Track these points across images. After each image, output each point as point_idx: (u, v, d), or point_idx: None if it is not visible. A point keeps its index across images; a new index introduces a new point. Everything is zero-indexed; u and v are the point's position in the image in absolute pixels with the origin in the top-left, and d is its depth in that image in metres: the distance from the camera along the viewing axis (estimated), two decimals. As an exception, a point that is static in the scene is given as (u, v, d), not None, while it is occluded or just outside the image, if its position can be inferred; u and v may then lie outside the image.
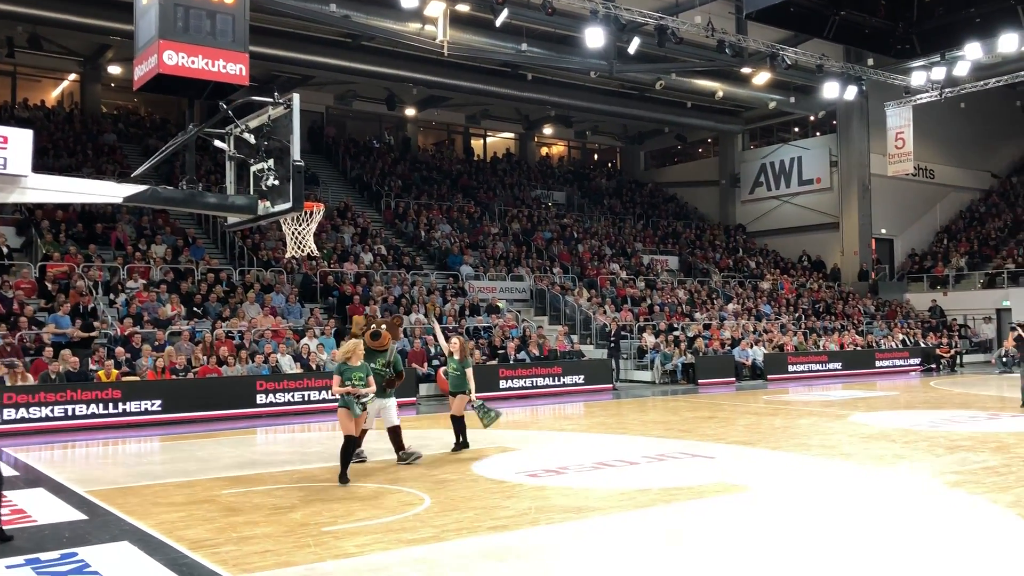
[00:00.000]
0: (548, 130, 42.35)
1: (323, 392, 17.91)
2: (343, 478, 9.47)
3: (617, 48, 26.06)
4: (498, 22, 22.75)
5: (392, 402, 10.82)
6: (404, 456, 10.80)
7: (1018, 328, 16.92)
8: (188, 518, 7.89)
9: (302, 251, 9.84)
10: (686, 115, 37.48)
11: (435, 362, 20.46)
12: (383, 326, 10.76)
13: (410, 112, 37.21)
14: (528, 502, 8.39)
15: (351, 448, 9.68)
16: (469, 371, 11.78)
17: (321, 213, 9.83)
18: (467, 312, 23.74)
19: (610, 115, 37.90)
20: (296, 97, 8.61)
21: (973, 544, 6.80)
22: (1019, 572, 6.06)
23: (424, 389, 20.06)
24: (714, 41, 24.86)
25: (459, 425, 11.93)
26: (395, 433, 10.80)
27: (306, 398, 17.69)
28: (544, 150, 44.15)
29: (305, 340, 19.37)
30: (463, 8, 24.14)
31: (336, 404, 9.94)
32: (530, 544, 6.87)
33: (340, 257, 24.79)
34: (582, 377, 21.90)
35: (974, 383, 23.02)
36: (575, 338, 25.03)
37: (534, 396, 20.59)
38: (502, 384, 20.36)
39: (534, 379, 21.00)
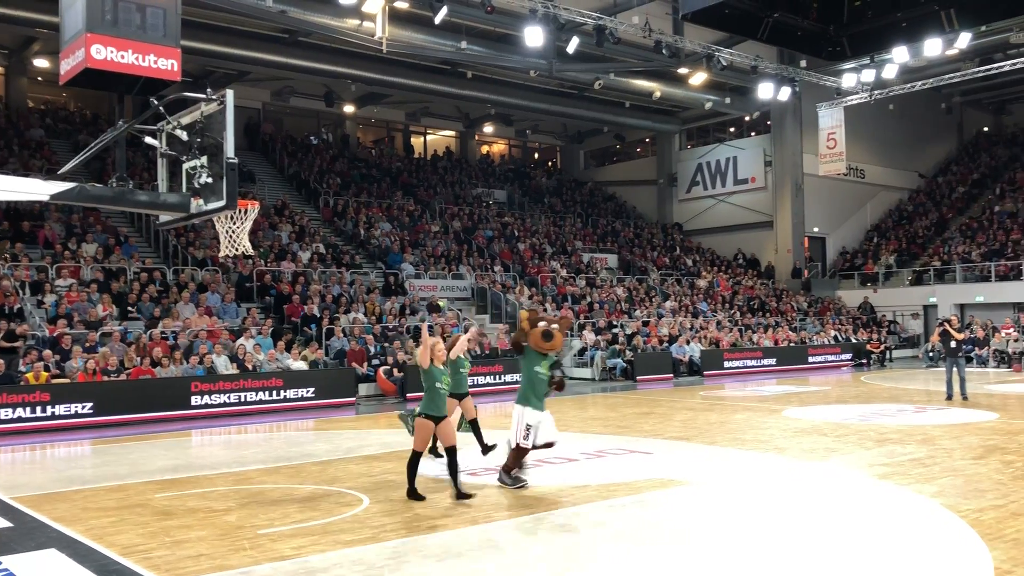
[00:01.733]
0: (489, 128, 42.38)
1: (260, 393, 17.67)
2: (438, 492, 8.52)
3: (556, 47, 26.19)
4: (437, 19, 22.70)
5: (549, 416, 9.28)
6: (511, 480, 9.12)
7: (944, 324, 17.49)
8: (119, 523, 7.71)
9: (236, 250, 9.67)
10: (624, 115, 37.85)
11: (375, 362, 20.33)
12: (554, 325, 9.38)
13: (349, 109, 36.88)
14: (468, 501, 8.39)
15: (454, 462, 8.61)
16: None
17: (256, 211, 9.68)
18: (407, 311, 23.63)
19: (550, 114, 38.08)
20: (230, 93, 8.46)
21: (898, 532, 7.01)
22: (940, 557, 6.27)
23: (364, 389, 19.91)
24: (651, 42, 25.15)
25: (477, 428, 10.84)
26: (525, 453, 9.18)
27: (243, 399, 17.41)
28: (485, 148, 44.16)
29: (241, 340, 19.07)
30: (402, 5, 24.03)
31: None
32: (470, 543, 6.87)
33: (277, 256, 24.46)
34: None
35: (902, 377, 23.70)
36: (515, 336, 25.06)
37: (475, 395, 20.51)
38: (442, 383, 20.28)
39: (474, 378, 20.92)
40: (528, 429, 8.96)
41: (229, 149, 8.33)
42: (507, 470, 9.14)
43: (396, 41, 24.20)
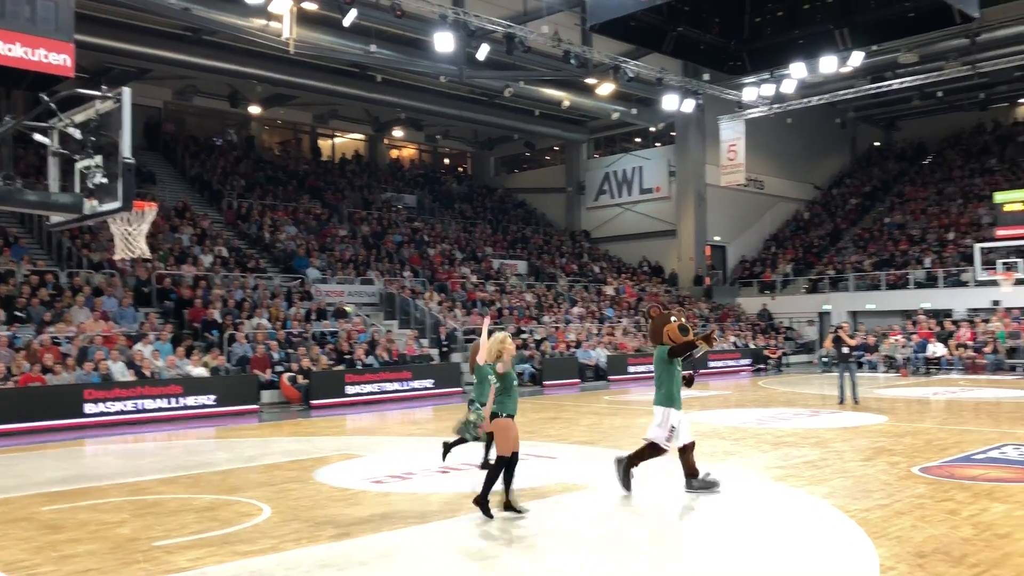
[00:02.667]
0: (398, 133, 42.12)
1: (158, 401, 17.14)
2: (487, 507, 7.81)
3: (467, 54, 26.23)
4: (346, 22, 22.45)
5: (687, 416, 8.92)
6: (700, 484, 8.76)
7: (836, 330, 18.21)
8: (2, 538, 7.36)
9: (132, 252, 9.36)
10: (534, 123, 38.16)
11: (278, 368, 19.94)
12: (683, 317, 8.85)
13: (255, 110, 36.13)
14: (372, 509, 8.32)
15: (512, 467, 8.00)
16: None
17: (154, 213, 9.39)
18: (313, 316, 23.27)
19: (461, 120, 38.11)
20: (127, 91, 8.19)
21: (791, 532, 7.26)
22: (829, 556, 6.52)
23: (267, 396, 19.50)
24: (560, 51, 25.46)
25: (490, 442, 9.81)
26: (689, 451, 8.86)
27: (140, 407, 16.85)
28: (395, 153, 43.86)
29: (139, 346, 18.43)
30: (310, 6, 23.67)
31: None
32: (372, 551, 6.81)
33: (178, 259, 23.75)
34: (432, 381, 21.90)
35: (798, 382, 24.55)
36: (425, 342, 24.99)
37: (382, 401, 20.41)
38: (349, 390, 20.09)
39: (382, 384, 20.83)
40: (672, 431, 8.70)
41: (126, 148, 8.07)
42: (628, 467, 8.88)
43: (304, 42, 23.83)
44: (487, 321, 9.73)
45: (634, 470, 8.91)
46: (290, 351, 20.73)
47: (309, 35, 24.16)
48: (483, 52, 24.71)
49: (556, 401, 20.09)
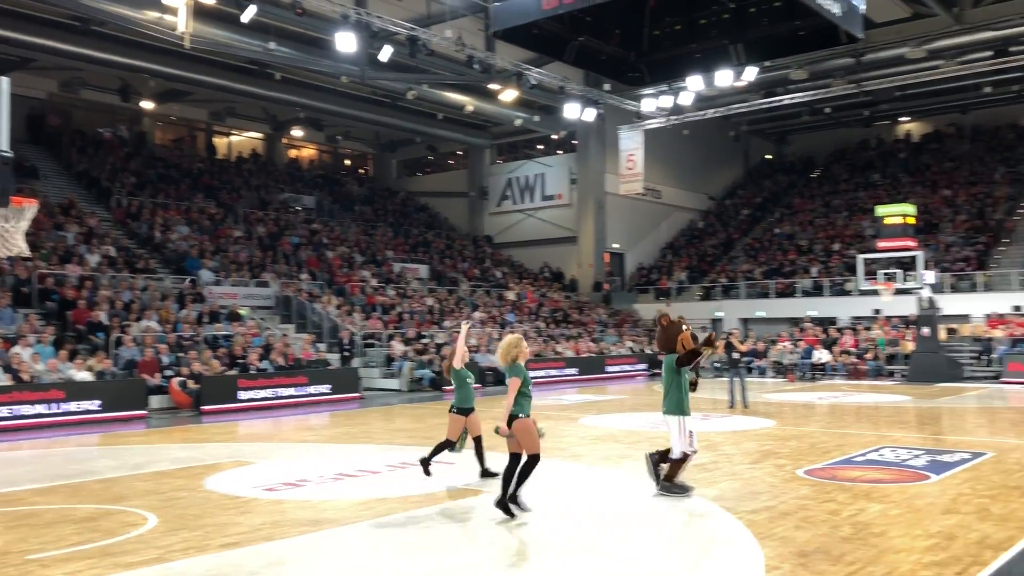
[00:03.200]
0: (298, 132, 41.38)
1: (37, 406, 16.33)
2: (510, 508, 7.81)
3: (369, 55, 25.96)
4: (245, 18, 21.88)
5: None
6: (680, 489, 8.86)
7: (727, 337, 18.75)
8: None
9: (10, 251, 8.90)
10: (437, 126, 38.08)
11: (168, 372, 19.28)
12: (684, 326, 8.88)
13: (147, 105, 34.89)
14: (263, 517, 8.12)
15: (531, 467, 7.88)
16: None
17: (35, 210, 8.97)
18: (206, 319, 22.59)
19: (362, 121, 37.70)
20: (5, 81, 7.80)
21: (681, 534, 7.43)
22: (717, 557, 6.70)
23: (156, 402, 18.82)
24: (464, 56, 25.47)
25: (480, 448, 9.96)
26: (685, 461, 8.93)
27: (16, 413, 16.01)
28: (293, 152, 43.06)
29: (17, 348, 17.53)
30: (207, 0, 23.00)
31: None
32: (262, 560, 6.64)
33: (62, 258, 22.70)
34: (328, 386, 21.55)
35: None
36: (322, 346, 24.58)
37: (277, 407, 19.96)
38: (242, 395, 19.57)
39: (277, 389, 20.38)
40: (691, 436, 8.82)
41: (3, 141, 7.68)
42: (670, 479, 8.87)
43: (200, 37, 23.12)
44: (465, 326, 10.02)
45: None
46: (181, 355, 20.06)
47: (206, 30, 23.47)
48: (386, 54, 24.50)
49: (455, 406, 20.03)
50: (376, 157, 46.18)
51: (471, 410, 9.69)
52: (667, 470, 8.96)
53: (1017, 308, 27.93)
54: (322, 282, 28.39)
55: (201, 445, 13.59)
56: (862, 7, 9.31)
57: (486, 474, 9.83)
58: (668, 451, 8.95)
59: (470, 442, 9.86)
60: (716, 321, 35.45)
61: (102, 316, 20.28)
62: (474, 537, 7.38)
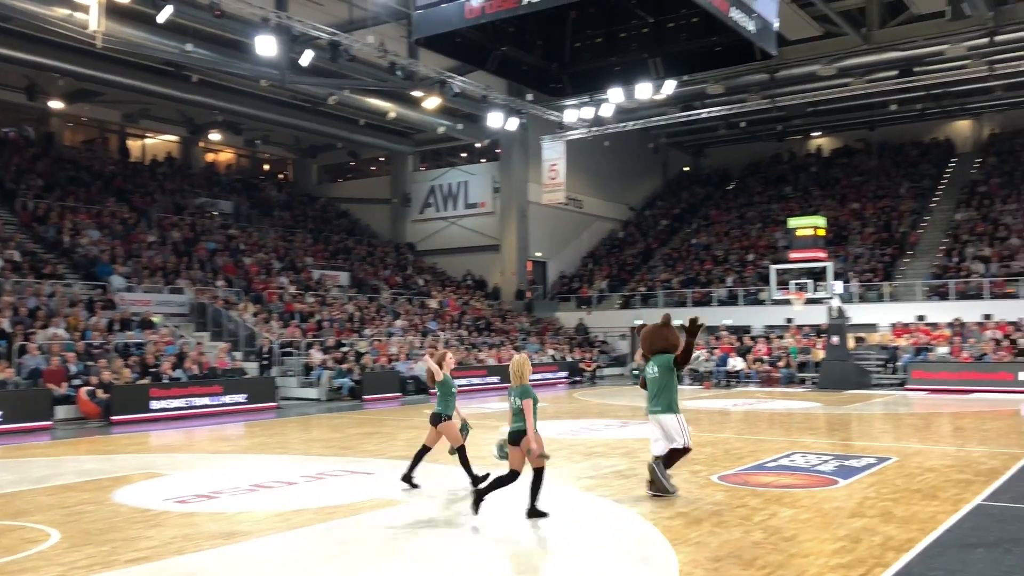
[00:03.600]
0: (215, 136, 40.49)
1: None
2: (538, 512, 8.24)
3: (290, 59, 25.60)
4: (160, 18, 21.35)
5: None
6: (672, 487, 9.22)
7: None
8: None
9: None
10: (359, 132, 37.74)
11: (76, 382, 18.60)
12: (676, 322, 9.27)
13: (56, 105, 33.65)
14: (174, 530, 7.90)
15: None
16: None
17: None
18: (117, 327, 21.90)
19: (282, 126, 37.12)
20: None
21: (599, 541, 7.50)
22: (633, 562, 6.79)
23: (62, 412, 18.14)
24: (386, 62, 25.34)
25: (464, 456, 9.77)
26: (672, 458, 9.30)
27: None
28: (210, 156, 42.12)
29: (-89, 357, 16.71)
30: (121, -1, 22.37)
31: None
32: (172, 574, 6.46)
33: (-39, 262, 21.74)
34: (244, 396, 21.11)
35: (610, 394, 25.48)
36: (238, 355, 24.06)
37: (191, 417, 19.46)
38: (154, 405, 19.03)
39: (191, 399, 19.87)
40: (684, 432, 9.17)
41: None
42: (667, 477, 9.21)
43: (113, 37, 22.45)
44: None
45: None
46: (89, 364, 19.39)
47: (119, 29, 22.79)
48: (307, 58, 24.20)
49: (376, 416, 19.87)
50: (296, 162, 45.50)
51: (450, 419, 9.79)
52: (666, 456, 9.26)
53: (921, 317, 29.09)
54: (239, 289, 27.80)
55: (110, 457, 13.16)
56: (776, 25, 9.61)
57: (477, 482, 9.75)
58: (671, 454, 9.25)
59: (439, 452, 9.81)
60: (635, 329, 35.98)
61: (4, 323, 19.49)
62: (392, 548, 7.31)
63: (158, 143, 39.68)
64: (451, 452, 9.73)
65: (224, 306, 25.81)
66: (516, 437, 8.14)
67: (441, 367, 9.82)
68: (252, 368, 23.70)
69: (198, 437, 16.50)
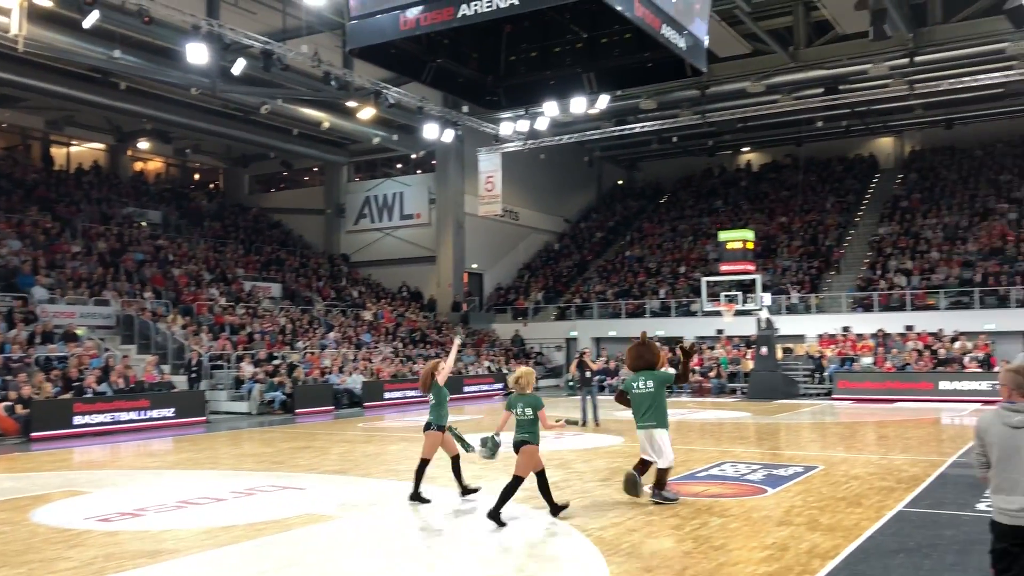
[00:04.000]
0: (144, 144, 39.55)
1: None
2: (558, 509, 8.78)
3: (221, 67, 25.20)
4: (87, 24, 20.81)
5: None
6: (673, 496, 9.60)
7: (580, 355, 19.18)
8: None
9: None
10: (292, 142, 37.30)
11: (-6, 397, 17.95)
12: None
13: (-26, 110, 32.55)
14: (95, 550, 7.67)
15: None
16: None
17: None
18: (38, 339, 21.19)
19: (213, 134, 36.46)
20: None
21: (532, 553, 7.51)
22: (557, 571, 6.83)
23: (-21, 428, 17.47)
24: (320, 72, 25.12)
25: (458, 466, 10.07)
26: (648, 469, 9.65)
27: None
28: (139, 165, 41.11)
29: None
30: (45, 3, 21.74)
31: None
32: (93, 597, 6.27)
33: None
34: (172, 410, 20.62)
35: (546, 406, 25.48)
36: (166, 368, 23.50)
37: (116, 432, 18.92)
38: (77, 420, 18.45)
39: (116, 414, 19.32)
40: (669, 449, 9.50)
41: None
42: (662, 487, 9.52)
43: (36, 41, 21.82)
44: (457, 341, 11.11)
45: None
46: (8, 378, 18.72)
47: (43, 34, 22.15)
48: (239, 67, 23.86)
49: (308, 429, 19.59)
50: (227, 172, 44.72)
51: (441, 430, 9.97)
52: (656, 479, 9.54)
53: (846, 329, 29.89)
54: (167, 301, 27.17)
55: (28, 475, 12.72)
56: (706, 42, 9.82)
57: (467, 492, 10.04)
58: (645, 463, 9.57)
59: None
60: (570, 340, 36.22)
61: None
62: (323, 563, 7.21)
63: (84, 151, 38.60)
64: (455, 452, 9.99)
65: (152, 318, 25.19)
66: (521, 446, 8.60)
67: (434, 376, 9.98)
68: (181, 382, 23.18)
69: (123, 453, 16.05)
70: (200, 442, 17.39)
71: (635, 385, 9.66)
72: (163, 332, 24.74)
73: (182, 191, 40.20)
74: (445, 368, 10.17)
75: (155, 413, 20.14)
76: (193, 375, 23.35)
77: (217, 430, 19.77)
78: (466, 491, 10.02)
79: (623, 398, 9.91)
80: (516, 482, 8.55)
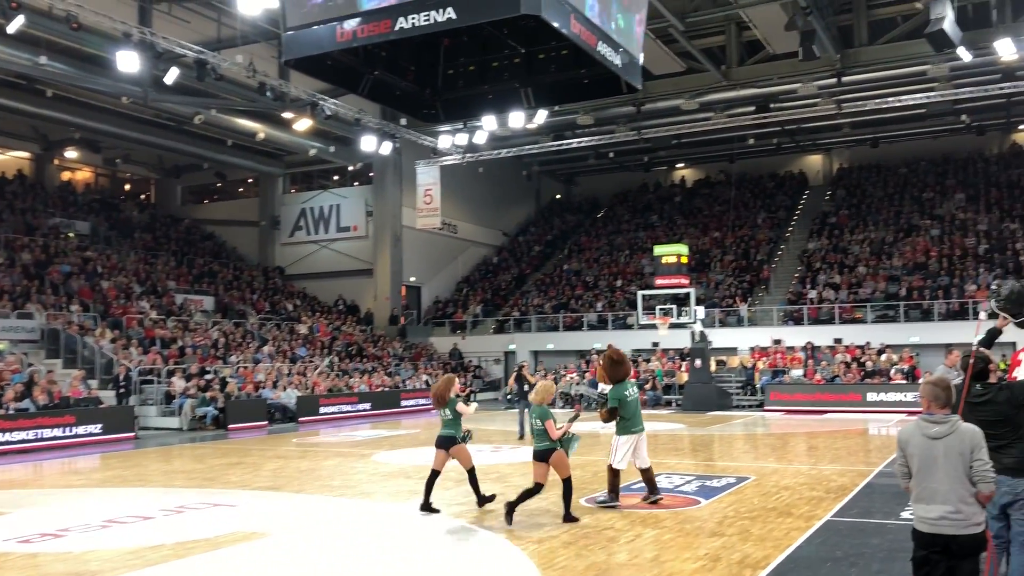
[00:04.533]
0: (72, 153, 38.51)
1: None
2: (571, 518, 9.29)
3: (154, 76, 24.72)
4: (11, 29, 20.20)
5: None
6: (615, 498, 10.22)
7: (518, 369, 19.21)
8: None
9: None
10: (226, 153, 36.70)
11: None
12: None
13: None
14: (14, 573, 7.40)
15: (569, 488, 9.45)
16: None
17: None
18: (-44, 354, 20.42)
19: (144, 144, 35.65)
20: None
21: (467, 568, 7.48)
22: (503, 591, 6.82)
23: None
24: (256, 83, 24.80)
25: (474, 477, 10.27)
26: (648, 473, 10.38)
27: None
28: (66, 175, 39.99)
29: None
30: (-35, 6, 21.05)
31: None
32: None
33: None
34: (100, 426, 20.03)
35: (483, 419, 25.48)
36: (94, 383, 22.84)
37: (40, 450, 18.30)
38: (-2, 437, 17.80)
39: (39, 430, 18.69)
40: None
41: None
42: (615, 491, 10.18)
43: (-45, 45, 21.13)
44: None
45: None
46: (-76, 394, 18.00)
47: (-37, 38, 21.45)
48: (172, 76, 23.43)
49: (241, 445, 19.22)
50: (159, 182, 43.77)
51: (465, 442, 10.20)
52: (615, 483, 10.23)
53: (777, 341, 30.52)
54: (96, 314, 26.43)
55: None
56: (641, 60, 9.97)
57: (484, 501, 10.17)
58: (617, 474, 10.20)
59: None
60: (509, 354, 36.27)
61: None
62: (254, 583, 7.08)
63: (7, 159, 37.38)
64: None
65: (79, 332, 24.48)
66: (542, 455, 9.20)
67: (449, 391, 10.16)
68: (109, 397, 22.54)
69: (47, 471, 15.54)
70: (129, 459, 16.93)
71: (627, 393, 10.16)
72: (91, 346, 24.06)
73: (112, 201, 39.22)
74: (454, 386, 10.42)
75: (81, 429, 19.53)
76: (122, 390, 22.73)
77: (146, 446, 19.27)
78: (483, 500, 10.19)
79: (614, 414, 10.19)
80: (568, 483, 9.37)
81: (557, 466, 9.21)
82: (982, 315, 6.59)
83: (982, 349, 5.91)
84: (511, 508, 9.13)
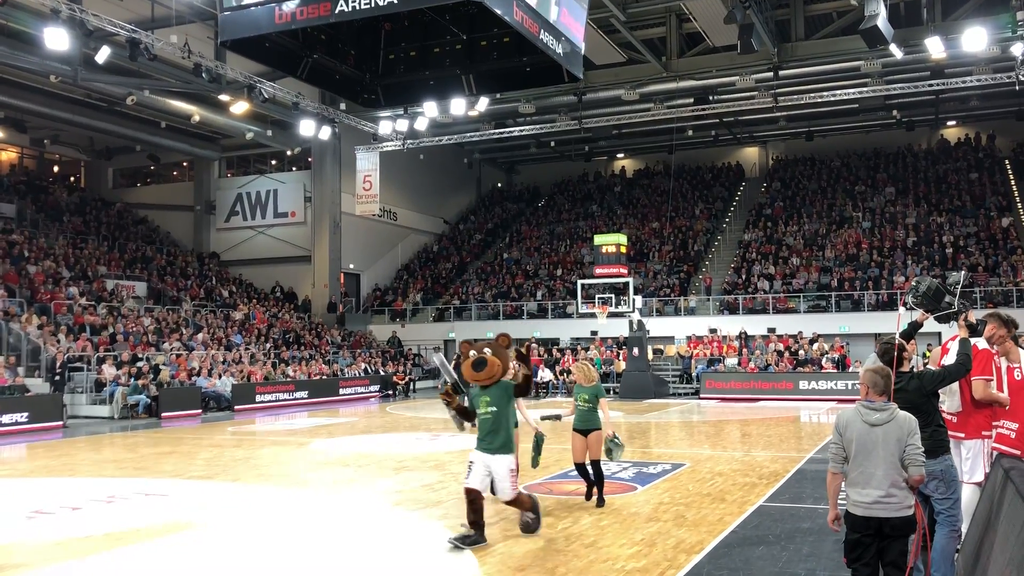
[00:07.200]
0: (-4, 133, 37.19)
1: None
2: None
3: (84, 55, 23.99)
4: (-69, 1, 19.44)
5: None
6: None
7: (458, 358, 19.18)
8: None
9: None
10: (160, 135, 35.77)
11: None
12: (486, 349, 8.09)
13: None
14: (-65, 567, 7.15)
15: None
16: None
17: None
18: None
19: (74, 125, 34.57)
20: None
21: (402, 557, 7.47)
22: (430, 573, 6.82)
23: None
24: (191, 64, 24.24)
25: (598, 472, 9.67)
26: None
27: None
28: (-10, 155, 38.63)
29: None
30: None
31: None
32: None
33: None
34: (26, 415, 19.44)
35: (423, 407, 25.48)
36: (21, 371, 22.15)
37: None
38: (-83, 426, 17.16)
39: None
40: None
41: None
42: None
43: None
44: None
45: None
46: None
47: None
48: (103, 55, 22.77)
49: (174, 434, 18.85)
50: (89, 164, 42.54)
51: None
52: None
53: (713, 331, 31.04)
54: (22, 300, 25.61)
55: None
56: (583, 49, 10.00)
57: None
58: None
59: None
60: (448, 342, 36.20)
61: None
62: (185, 573, 6.96)
63: (-73, 138, 35.99)
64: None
65: (4, 318, 23.70)
66: (585, 433, 9.61)
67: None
68: (37, 385, 21.90)
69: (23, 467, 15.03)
70: (57, 448, 16.48)
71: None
72: (16, 332, 23.33)
73: (39, 184, 38.00)
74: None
75: (6, 418, 18.94)
76: (57, 378, 22.08)
77: (76, 435, 18.76)
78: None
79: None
80: (595, 467, 9.59)
81: (594, 444, 9.58)
82: (901, 309, 6.78)
83: (902, 340, 6.08)
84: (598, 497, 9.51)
